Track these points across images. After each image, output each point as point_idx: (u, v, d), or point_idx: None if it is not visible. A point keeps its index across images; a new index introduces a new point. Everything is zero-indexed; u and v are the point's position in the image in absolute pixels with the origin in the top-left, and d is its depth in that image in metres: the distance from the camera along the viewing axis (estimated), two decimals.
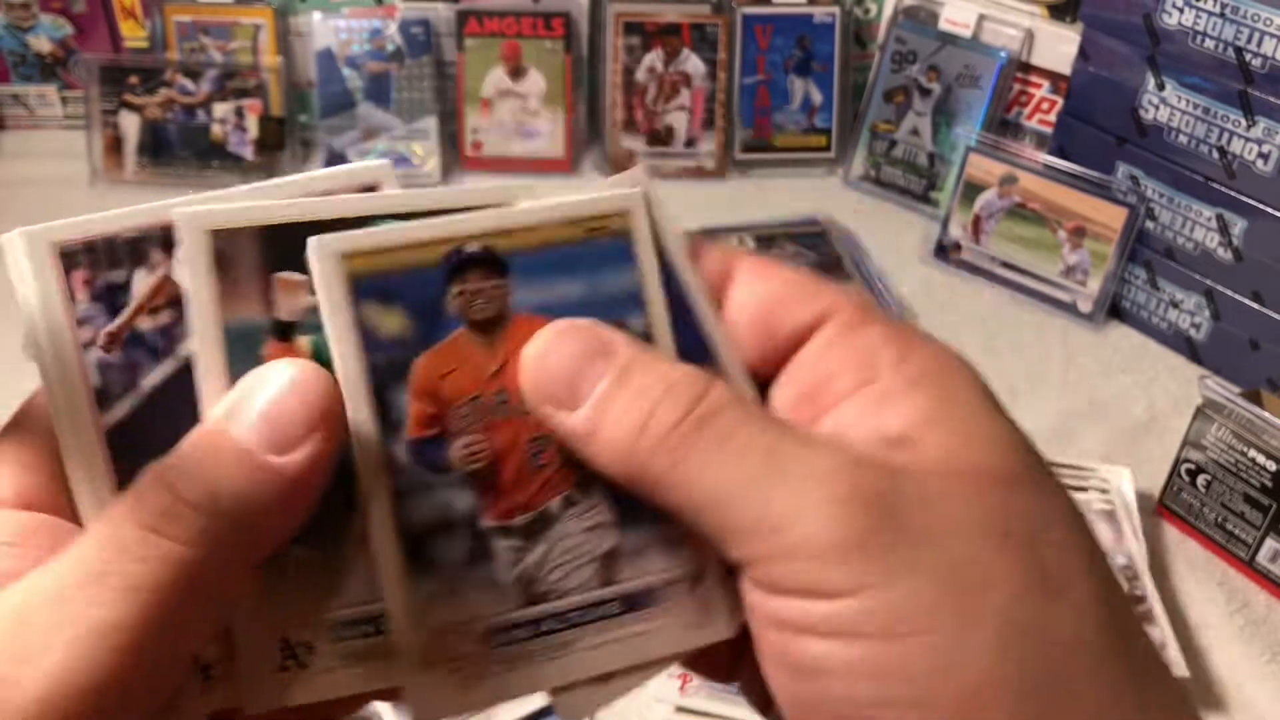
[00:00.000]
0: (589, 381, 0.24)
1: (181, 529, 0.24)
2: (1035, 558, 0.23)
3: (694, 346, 0.26)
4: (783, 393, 0.26)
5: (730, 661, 0.28)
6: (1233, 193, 0.88)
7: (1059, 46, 1.02)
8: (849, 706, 0.22)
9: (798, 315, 0.26)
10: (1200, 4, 0.85)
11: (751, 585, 0.24)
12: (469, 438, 0.25)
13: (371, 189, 0.27)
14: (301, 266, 0.24)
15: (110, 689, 0.23)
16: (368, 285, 0.24)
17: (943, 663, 0.22)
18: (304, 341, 0.25)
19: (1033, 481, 0.24)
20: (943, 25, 1.08)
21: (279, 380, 0.25)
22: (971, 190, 1.01)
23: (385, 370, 0.24)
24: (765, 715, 0.28)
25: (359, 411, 0.24)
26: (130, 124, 1.08)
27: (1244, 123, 0.85)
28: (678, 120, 1.12)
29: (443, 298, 0.25)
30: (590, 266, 0.26)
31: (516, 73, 1.11)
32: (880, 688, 0.22)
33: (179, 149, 1.08)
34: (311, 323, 0.25)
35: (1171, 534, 0.79)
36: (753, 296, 0.27)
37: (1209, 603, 0.74)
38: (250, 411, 0.24)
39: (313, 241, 0.24)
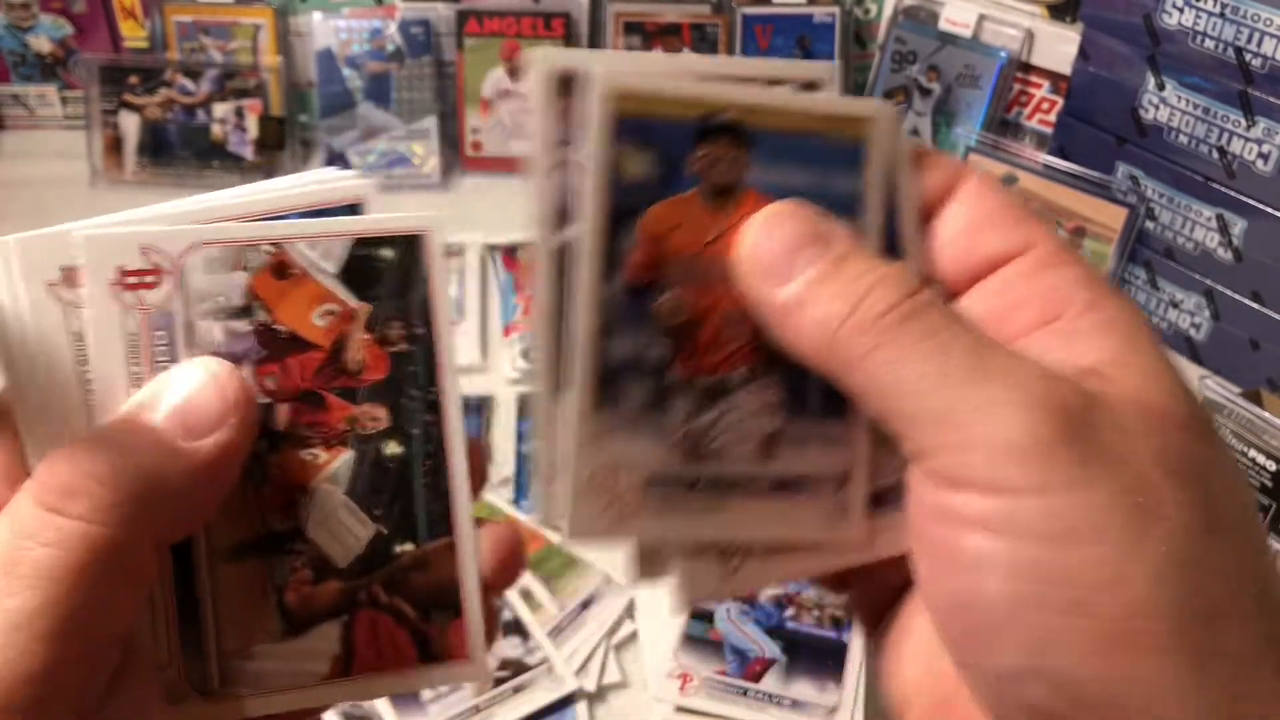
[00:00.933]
0: (803, 261, 0.25)
1: (86, 506, 0.24)
2: (1208, 498, 0.23)
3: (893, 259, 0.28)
4: (968, 312, 0.27)
5: (846, 573, 0.29)
6: (1233, 193, 0.88)
7: (1059, 46, 1.02)
8: (1004, 604, 0.23)
9: (997, 242, 0.27)
10: (1200, 4, 0.85)
11: (923, 477, 0.25)
12: (677, 291, 0.26)
13: (355, 208, 0.29)
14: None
15: (39, 678, 0.23)
16: (629, 125, 0.26)
17: (1108, 576, 0.22)
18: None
19: (1209, 432, 0.25)
20: (943, 25, 1.08)
21: (195, 375, 0.27)
22: None
23: (622, 208, 0.26)
24: (871, 633, 0.30)
25: (591, 238, 0.26)
26: (130, 124, 1.08)
27: (1244, 123, 0.85)
28: None
29: (689, 154, 0.26)
30: (825, 162, 0.27)
31: (516, 72, 1.11)
32: (1041, 589, 0.22)
33: (179, 149, 1.08)
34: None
35: None
36: (963, 215, 0.28)
37: None
38: (166, 401, 0.26)
39: (598, 70, 0.25)
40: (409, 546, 0.29)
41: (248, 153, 1.08)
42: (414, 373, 0.29)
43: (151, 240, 0.28)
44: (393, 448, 0.29)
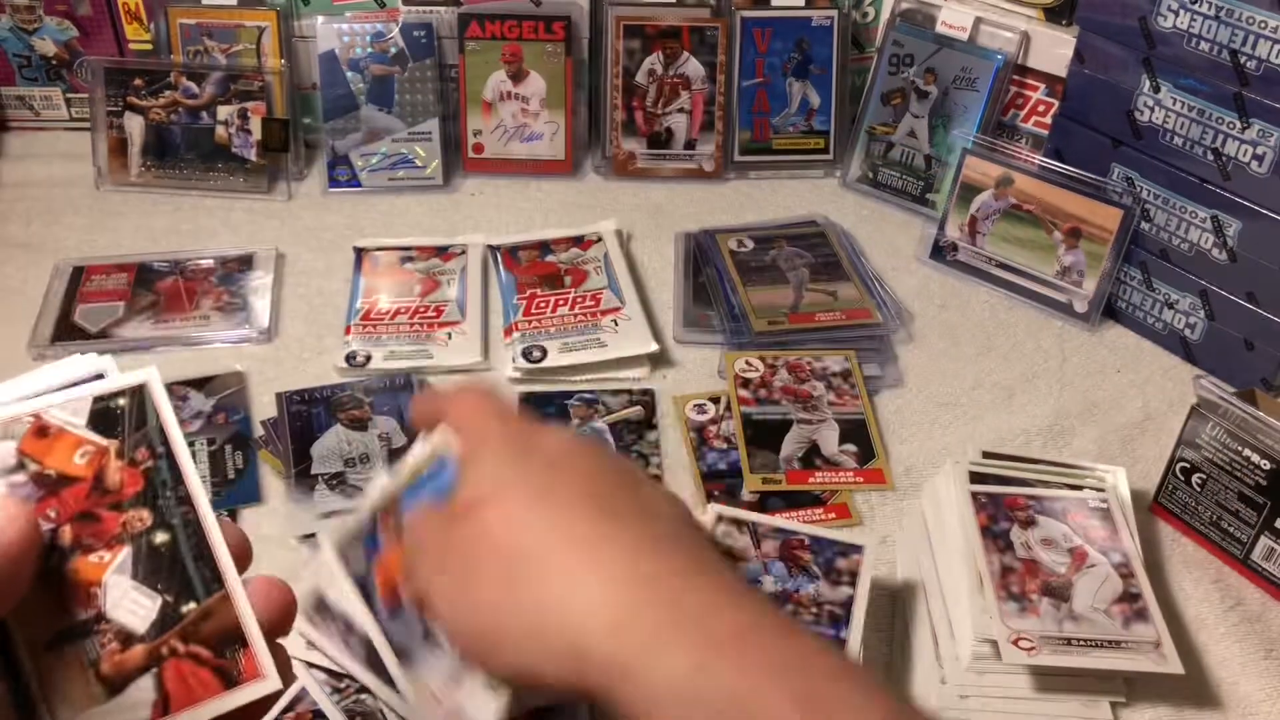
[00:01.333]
0: None
1: None
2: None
3: None
4: None
5: None
6: (1227, 194, 0.88)
7: (1055, 49, 1.03)
8: None
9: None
10: (1195, 7, 0.86)
11: None
12: None
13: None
14: None
15: None
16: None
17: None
18: None
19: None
20: (939, 28, 1.09)
21: None
22: (968, 192, 1.02)
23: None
24: None
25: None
26: (135, 126, 1.09)
27: (1239, 124, 0.86)
28: (677, 123, 1.13)
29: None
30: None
31: (517, 75, 1.12)
32: None
33: (183, 151, 1.09)
34: None
35: (1167, 532, 0.80)
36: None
37: (1204, 600, 0.75)
38: None
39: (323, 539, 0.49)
40: (193, 605, 0.38)
41: (251, 155, 1.09)
42: (164, 480, 0.39)
43: None
44: (160, 536, 0.38)
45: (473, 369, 0.91)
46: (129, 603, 0.37)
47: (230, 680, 0.37)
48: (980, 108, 1.07)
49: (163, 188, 1.09)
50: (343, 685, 0.61)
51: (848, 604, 0.64)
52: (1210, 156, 0.89)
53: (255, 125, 1.09)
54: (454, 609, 0.43)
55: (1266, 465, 0.72)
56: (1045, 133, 1.05)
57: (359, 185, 1.11)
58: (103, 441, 0.39)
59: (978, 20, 1.07)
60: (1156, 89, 0.91)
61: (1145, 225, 0.95)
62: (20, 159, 1.14)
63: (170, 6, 1.10)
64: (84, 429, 0.39)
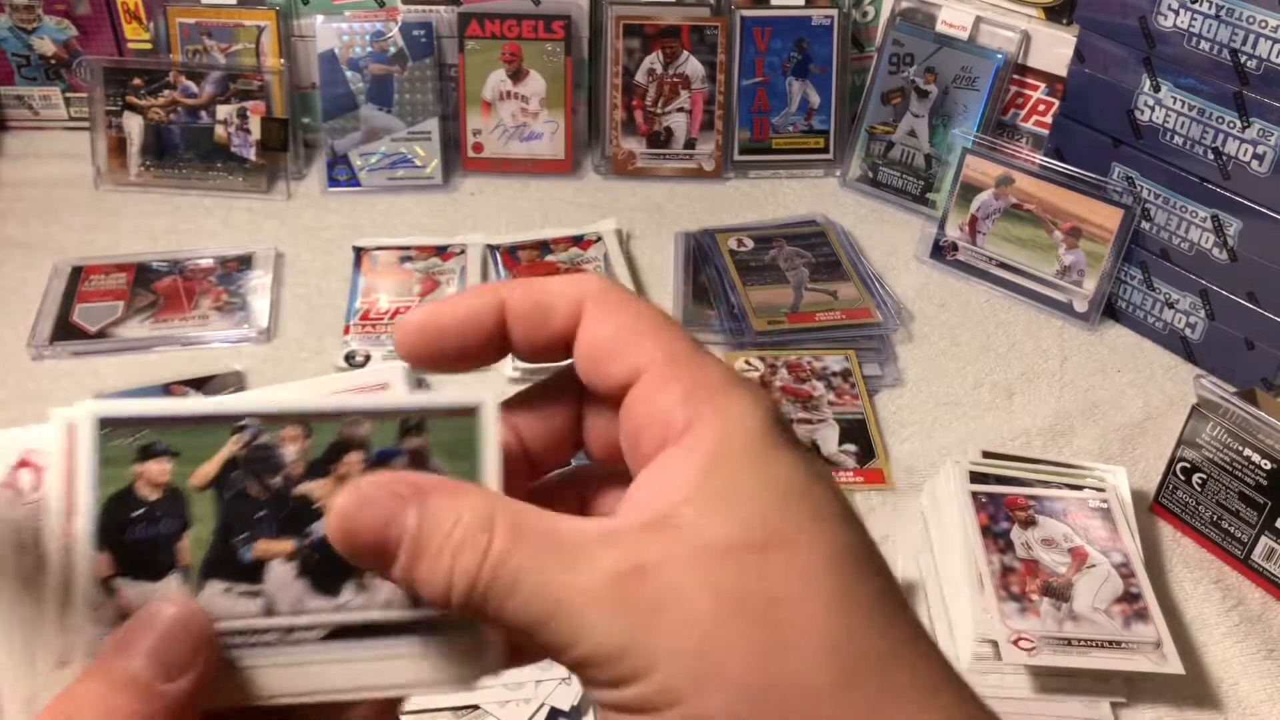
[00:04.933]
0: (390, 541, 0.27)
1: None
2: (768, 620, 0.26)
3: None
4: (623, 435, 0.30)
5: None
6: (1228, 193, 0.88)
7: (1055, 48, 1.03)
8: None
9: (618, 371, 0.29)
10: (1195, 6, 0.86)
11: (583, 683, 0.28)
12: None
13: None
14: None
15: None
16: None
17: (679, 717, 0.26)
18: None
19: (775, 543, 0.27)
20: (939, 27, 1.08)
21: (164, 616, 0.29)
22: (968, 191, 1.02)
23: None
24: None
25: None
26: (134, 125, 1.09)
27: (1239, 124, 0.86)
28: (677, 122, 1.13)
29: None
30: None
31: (517, 75, 1.11)
32: None
33: (183, 150, 1.09)
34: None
35: (1167, 532, 0.80)
36: (587, 342, 0.30)
37: (1204, 600, 0.75)
38: (141, 646, 0.28)
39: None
40: None
41: (251, 154, 1.09)
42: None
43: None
44: None
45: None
46: None
47: None
48: (980, 107, 1.07)
49: (162, 187, 1.09)
50: None
51: None
52: (1210, 156, 0.89)
53: (254, 125, 1.08)
54: (763, 672, 0.26)
55: (1267, 465, 0.72)
56: (1045, 132, 1.05)
57: (358, 185, 1.11)
58: None
59: (978, 19, 1.07)
60: (1157, 88, 0.91)
61: (1145, 225, 0.95)
62: (19, 158, 1.14)
63: (169, 6, 1.10)
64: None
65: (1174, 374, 0.94)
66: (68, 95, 1.16)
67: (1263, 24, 0.82)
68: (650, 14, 1.11)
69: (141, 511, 0.29)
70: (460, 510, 0.27)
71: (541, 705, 0.66)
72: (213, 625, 0.29)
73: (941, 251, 1.04)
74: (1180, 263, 0.93)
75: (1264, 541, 0.74)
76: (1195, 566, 0.77)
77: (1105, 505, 0.75)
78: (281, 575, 0.29)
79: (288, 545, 0.29)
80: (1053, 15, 1.04)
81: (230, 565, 0.29)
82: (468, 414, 0.30)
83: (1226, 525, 0.76)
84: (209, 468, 0.29)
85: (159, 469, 0.29)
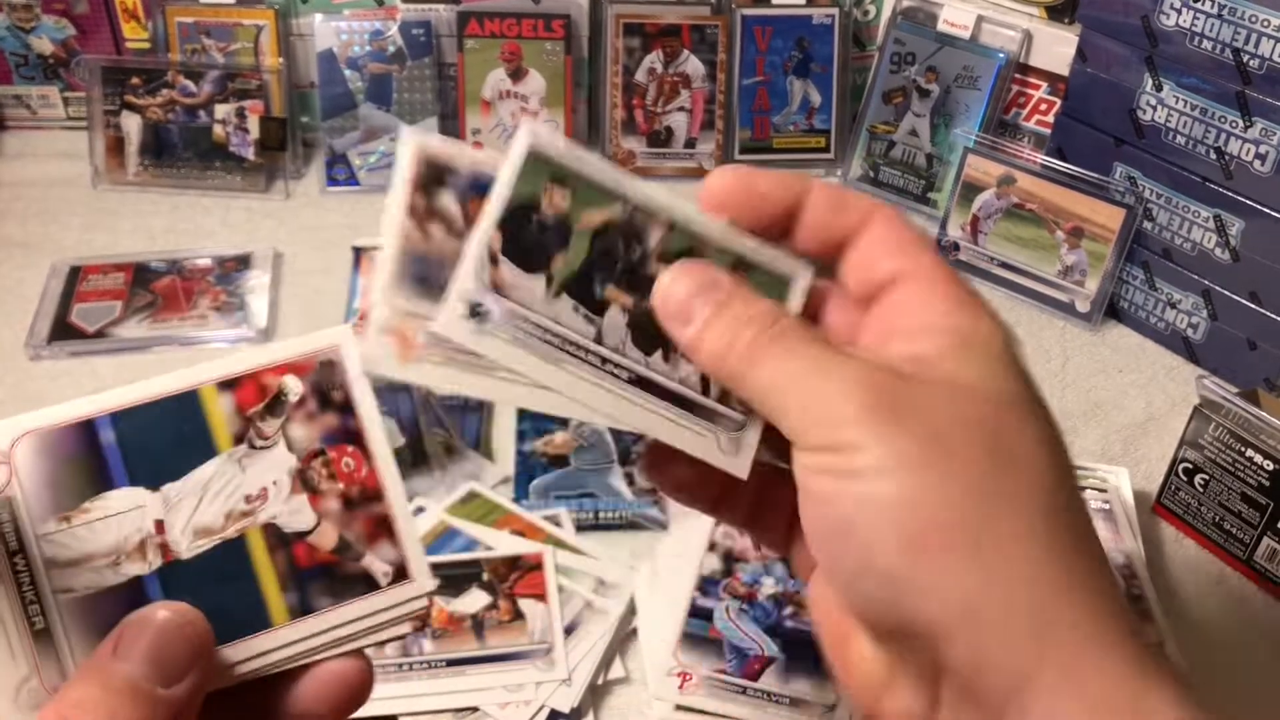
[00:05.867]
0: (699, 305, 0.35)
1: None
2: (999, 441, 0.32)
3: None
4: (866, 320, 0.37)
5: (786, 536, 0.41)
6: (1230, 193, 0.88)
7: (1057, 47, 1.03)
8: (844, 526, 0.32)
9: (891, 265, 0.36)
10: (1198, 5, 0.85)
11: (796, 449, 0.33)
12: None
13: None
14: None
15: None
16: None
17: (909, 498, 0.31)
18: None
19: (1011, 403, 0.33)
20: (941, 26, 1.08)
21: (158, 619, 0.31)
22: (969, 191, 1.02)
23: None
24: (785, 562, 0.45)
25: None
26: (132, 125, 1.08)
27: (1241, 123, 0.86)
28: (677, 121, 1.13)
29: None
30: None
31: (516, 74, 1.11)
32: (866, 514, 0.31)
33: (181, 150, 1.09)
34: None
35: (1169, 532, 0.79)
36: (867, 245, 0.37)
37: (1206, 601, 0.75)
38: (137, 650, 0.30)
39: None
40: None
41: (249, 154, 1.09)
42: None
43: None
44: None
45: None
46: None
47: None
48: (982, 106, 1.06)
49: (160, 187, 1.09)
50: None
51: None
52: (1213, 155, 0.88)
53: (253, 124, 1.08)
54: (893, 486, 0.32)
55: (1269, 466, 0.72)
56: (1047, 131, 1.05)
57: (357, 184, 1.10)
58: None
59: (979, 18, 1.06)
60: (1159, 88, 0.90)
61: (1148, 225, 0.94)
62: (17, 158, 1.13)
63: (168, 5, 1.10)
64: None
65: (1176, 374, 0.94)
66: (66, 95, 1.16)
67: (1265, 23, 0.82)
68: (650, 13, 1.11)
69: (537, 220, 0.36)
70: (755, 307, 0.35)
71: (542, 707, 0.65)
72: (209, 631, 0.29)
73: (943, 251, 1.04)
74: (1182, 263, 0.93)
75: (1266, 542, 0.74)
76: (1197, 567, 0.77)
77: (1107, 506, 0.75)
78: (615, 318, 0.36)
79: (629, 300, 0.37)
80: (1055, 14, 1.04)
81: (584, 292, 0.36)
82: (783, 282, 0.37)
83: (1228, 526, 0.76)
84: (596, 216, 0.36)
85: (561, 195, 0.36)
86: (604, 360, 0.36)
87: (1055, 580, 0.31)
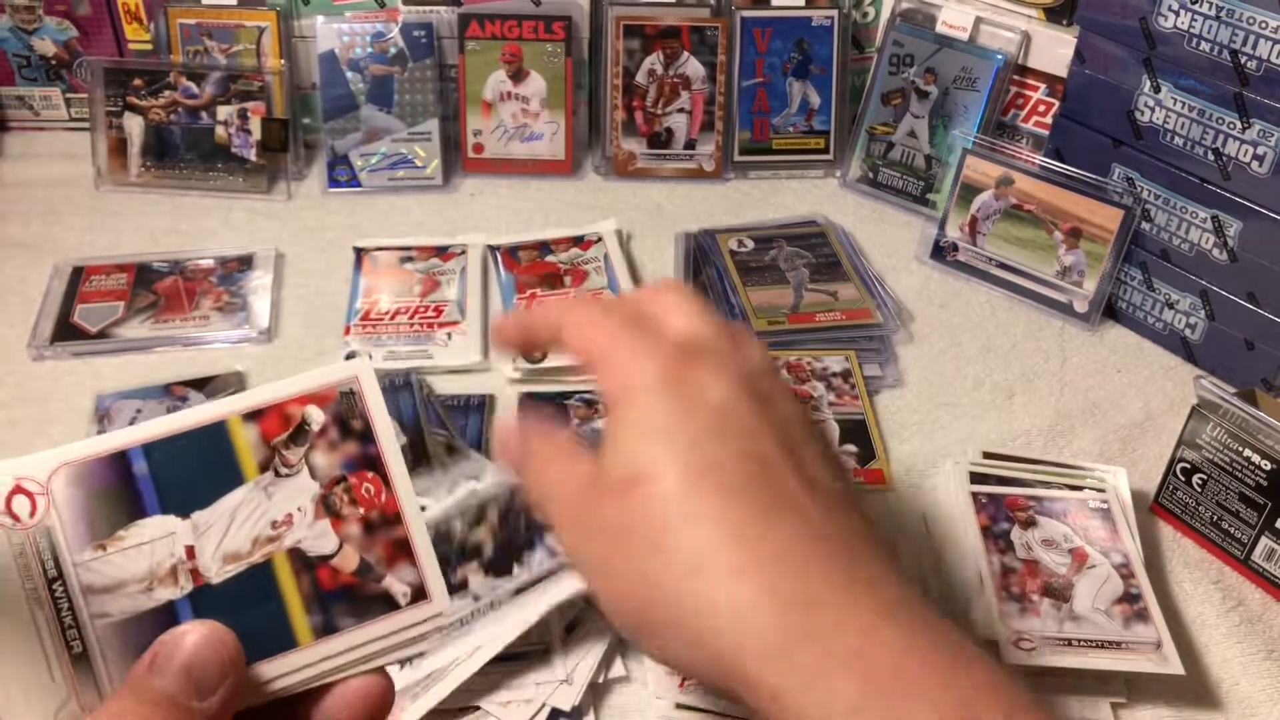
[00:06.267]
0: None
1: None
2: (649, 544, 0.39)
3: None
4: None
5: None
6: (1228, 194, 0.88)
7: (1055, 49, 1.03)
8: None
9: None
10: (1196, 7, 0.86)
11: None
12: None
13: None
14: None
15: None
16: None
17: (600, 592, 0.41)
18: None
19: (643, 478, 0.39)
20: (940, 28, 1.09)
21: (194, 636, 0.33)
22: (968, 192, 1.02)
23: None
24: None
25: None
26: (134, 126, 1.09)
27: (1239, 125, 0.86)
28: (677, 123, 1.13)
29: None
30: None
31: (517, 75, 1.12)
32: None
33: (183, 151, 1.09)
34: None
35: (1167, 532, 0.80)
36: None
37: (1204, 601, 0.75)
38: (171, 665, 0.32)
39: None
40: None
41: (251, 155, 1.09)
42: None
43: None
44: None
45: (472, 369, 0.91)
46: None
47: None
48: (980, 108, 1.07)
49: (162, 188, 1.09)
50: None
51: None
52: (1211, 157, 0.89)
53: (255, 125, 1.08)
54: (603, 587, 0.39)
55: (1267, 466, 0.72)
56: (1046, 133, 1.05)
57: (359, 185, 1.11)
58: None
59: (978, 20, 1.07)
60: (1157, 89, 0.91)
61: (1146, 225, 0.95)
62: (19, 159, 1.14)
63: (170, 6, 1.10)
64: None
65: (1174, 374, 0.94)
66: (68, 96, 1.16)
67: (1263, 25, 0.82)
68: (650, 15, 1.11)
69: None
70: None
71: (543, 706, 0.66)
72: (239, 648, 0.33)
73: (942, 252, 1.04)
74: (1180, 263, 0.93)
75: (1264, 542, 0.74)
76: (1195, 567, 0.77)
77: (1105, 506, 0.75)
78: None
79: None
80: (1053, 16, 1.04)
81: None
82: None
83: (1226, 526, 0.76)
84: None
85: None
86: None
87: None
